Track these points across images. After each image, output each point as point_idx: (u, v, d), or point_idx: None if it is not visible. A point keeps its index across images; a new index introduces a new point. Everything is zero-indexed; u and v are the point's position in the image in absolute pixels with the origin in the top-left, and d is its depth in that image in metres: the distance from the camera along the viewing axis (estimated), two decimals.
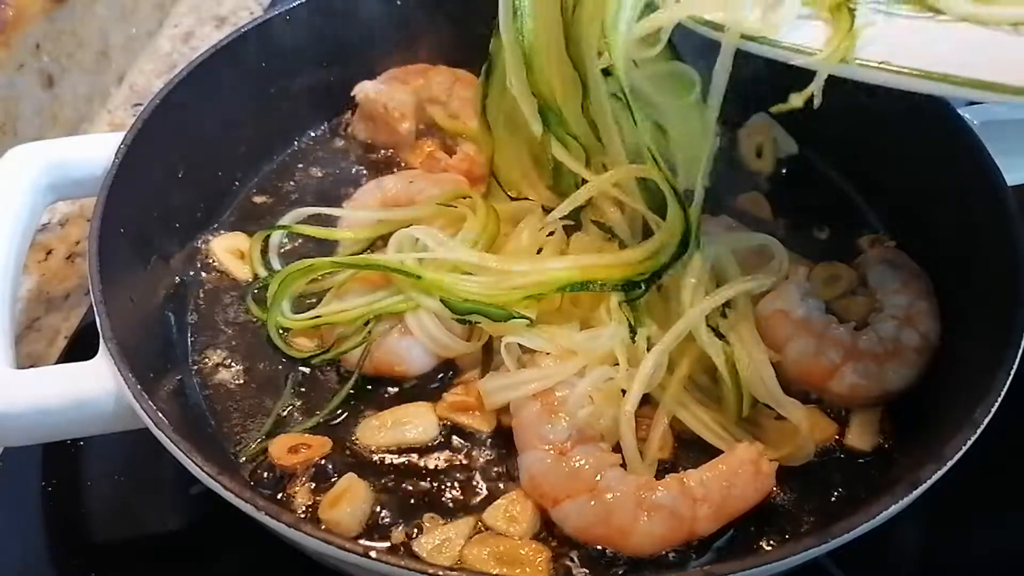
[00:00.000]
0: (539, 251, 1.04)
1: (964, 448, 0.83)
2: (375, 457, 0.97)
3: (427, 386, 1.03)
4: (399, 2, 1.31)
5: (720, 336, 0.97)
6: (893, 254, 1.14)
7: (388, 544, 0.90)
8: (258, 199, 1.24)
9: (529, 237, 1.04)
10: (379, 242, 1.13)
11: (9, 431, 0.92)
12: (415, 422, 0.99)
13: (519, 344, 0.97)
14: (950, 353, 1.03)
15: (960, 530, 1.03)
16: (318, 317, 1.05)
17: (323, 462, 0.96)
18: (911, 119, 1.15)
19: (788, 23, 0.83)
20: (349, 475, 0.95)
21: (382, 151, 1.29)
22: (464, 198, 1.10)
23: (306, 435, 0.98)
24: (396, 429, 0.99)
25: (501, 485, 0.96)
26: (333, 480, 0.95)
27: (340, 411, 1.01)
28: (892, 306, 1.06)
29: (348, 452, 0.98)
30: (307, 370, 1.05)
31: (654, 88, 0.94)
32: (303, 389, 1.04)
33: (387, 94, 1.27)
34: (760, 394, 0.96)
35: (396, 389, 1.02)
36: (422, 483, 0.96)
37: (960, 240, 1.07)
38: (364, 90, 1.28)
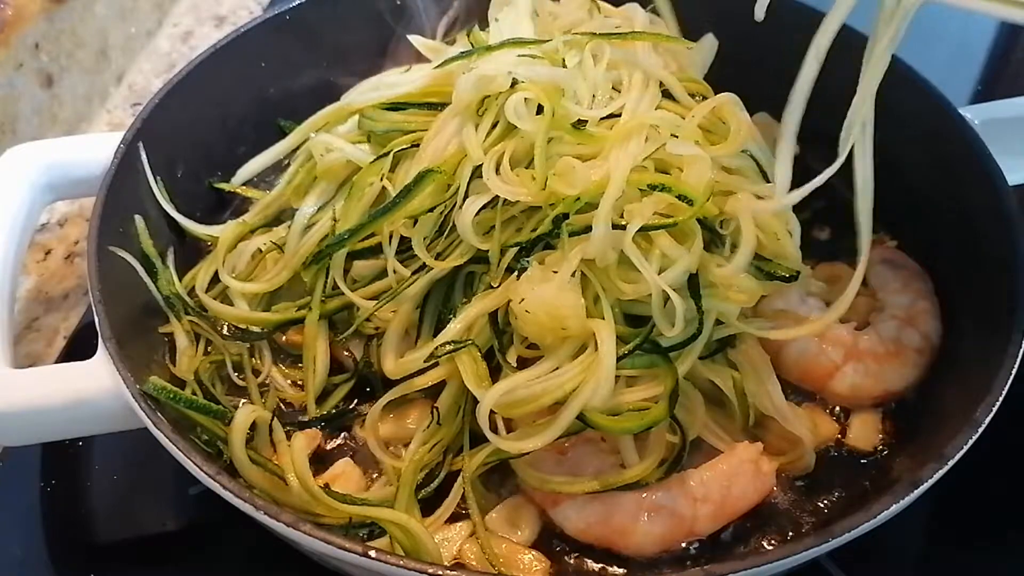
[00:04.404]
0: None
1: (965, 448, 0.83)
2: (373, 451, 0.97)
3: (427, 384, 1.02)
4: (399, 2, 1.31)
5: (731, 364, 0.97)
6: (893, 254, 1.14)
7: (387, 542, 0.90)
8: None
9: None
10: None
11: (8, 431, 0.93)
12: (415, 420, 0.99)
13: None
14: (950, 353, 1.03)
15: (960, 530, 1.03)
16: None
17: (322, 446, 0.98)
18: (911, 119, 1.15)
19: None
20: (345, 460, 0.97)
21: None
22: None
23: (307, 431, 0.99)
24: (396, 426, 0.99)
25: (502, 486, 0.96)
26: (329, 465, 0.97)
27: (340, 406, 1.02)
28: (893, 306, 1.06)
29: (346, 444, 1.00)
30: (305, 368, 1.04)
31: None
32: (302, 385, 1.03)
33: None
34: (767, 409, 0.96)
35: (396, 386, 1.02)
36: (420, 480, 0.95)
37: (960, 240, 1.07)
38: None
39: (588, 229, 0.89)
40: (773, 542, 0.93)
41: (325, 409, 1.01)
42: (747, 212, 0.92)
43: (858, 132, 0.88)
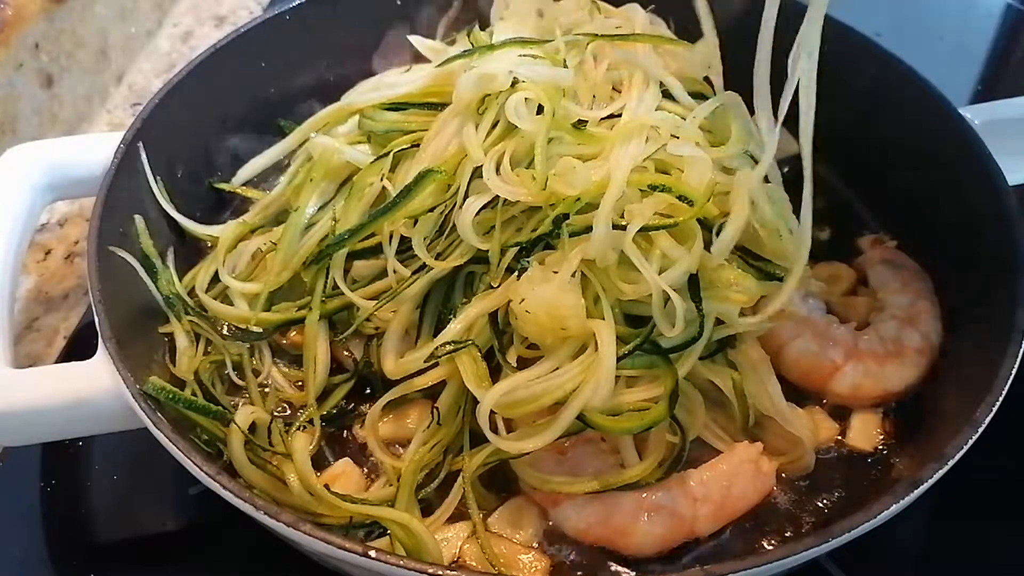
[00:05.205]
0: None
1: (965, 448, 0.83)
2: (373, 451, 0.97)
3: (427, 384, 1.02)
4: (399, 2, 1.31)
5: (730, 364, 0.97)
6: (893, 254, 1.14)
7: (387, 542, 0.90)
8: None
9: None
10: None
11: (8, 431, 0.92)
12: (415, 420, 0.99)
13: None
14: (950, 353, 1.03)
15: (960, 531, 1.03)
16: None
17: (322, 446, 0.98)
18: (911, 119, 1.15)
19: None
20: (345, 460, 0.97)
21: None
22: None
23: (307, 430, 0.98)
24: (396, 426, 0.99)
25: (502, 486, 0.96)
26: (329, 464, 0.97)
27: (341, 405, 1.02)
28: (893, 306, 1.06)
29: (346, 444, 1.00)
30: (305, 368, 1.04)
31: None
32: (302, 385, 1.03)
33: None
34: (767, 409, 0.96)
35: (396, 386, 1.02)
36: (420, 480, 0.95)
37: (960, 240, 1.07)
38: None
39: (588, 229, 0.89)
40: (773, 542, 0.93)
41: (325, 409, 1.01)
42: (742, 185, 0.92)
43: (804, 63, 0.86)
